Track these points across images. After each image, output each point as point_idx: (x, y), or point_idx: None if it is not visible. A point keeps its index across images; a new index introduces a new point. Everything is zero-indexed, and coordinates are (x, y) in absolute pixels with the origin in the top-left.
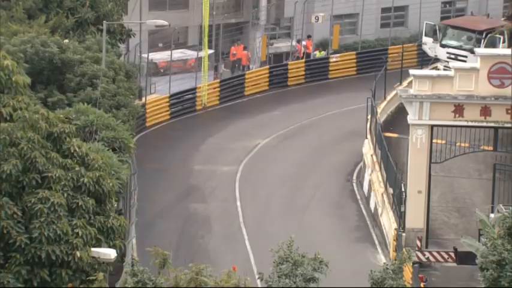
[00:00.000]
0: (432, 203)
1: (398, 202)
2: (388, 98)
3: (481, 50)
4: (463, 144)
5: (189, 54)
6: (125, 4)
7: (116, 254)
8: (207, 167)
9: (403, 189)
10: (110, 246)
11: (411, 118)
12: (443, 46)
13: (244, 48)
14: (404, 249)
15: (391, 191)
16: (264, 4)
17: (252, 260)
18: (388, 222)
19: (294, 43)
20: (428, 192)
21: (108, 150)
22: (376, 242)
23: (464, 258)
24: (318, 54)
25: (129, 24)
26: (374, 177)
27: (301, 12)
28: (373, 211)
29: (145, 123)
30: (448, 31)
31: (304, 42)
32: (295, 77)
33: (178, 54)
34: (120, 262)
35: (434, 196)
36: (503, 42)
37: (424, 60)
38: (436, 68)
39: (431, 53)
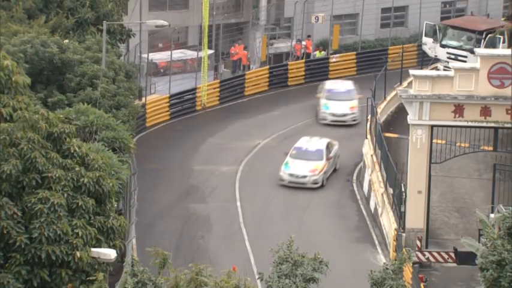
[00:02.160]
0: (432, 203)
1: (398, 202)
2: (388, 98)
3: (481, 50)
4: (463, 144)
5: (189, 54)
6: (125, 4)
7: (116, 254)
8: (207, 167)
9: (403, 190)
10: (110, 247)
11: (411, 118)
12: (443, 46)
13: (245, 48)
14: (404, 249)
15: (391, 191)
16: (264, 4)
17: (252, 260)
18: (388, 222)
19: (293, 43)
20: (428, 192)
21: (108, 150)
22: (376, 242)
23: (464, 258)
24: (318, 54)
25: (129, 24)
26: (374, 178)
27: (301, 12)
28: (373, 211)
29: (145, 123)
30: (448, 31)
31: (304, 42)
32: (295, 77)
33: (178, 54)
34: (120, 262)
35: (434, 196)
36: (503, 42)
37: (424, 60)
38: (436, 68)
39: (431, 53)
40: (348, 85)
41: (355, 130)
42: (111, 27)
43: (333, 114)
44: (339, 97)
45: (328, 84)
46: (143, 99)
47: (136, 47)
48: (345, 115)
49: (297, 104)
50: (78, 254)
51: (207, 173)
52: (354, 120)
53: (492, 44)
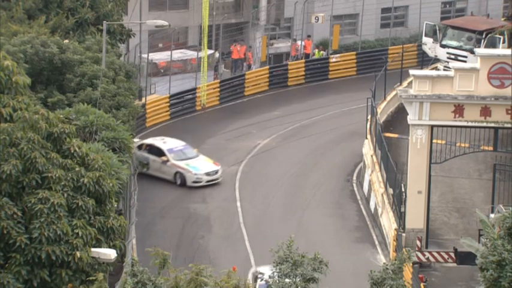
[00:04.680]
0: (432, 203)
1: (398, 202)
2: (388, 98)
3: (481, 50)
4: (463, 145)
5: (189, 54)
6: (125, 4)
7: (115, 254)
8: None
9: (403, 190)
10: (110, 247)
11: (411, 118)
12: (443, 46)
13: (248, 48)
14: (404, 249)
15: (391, 191)
16: (264, 4)
17: (252, 260)
18: (388, 222)
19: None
20: (428, 193)
21: (108, 150)
22: (376, 242)
23: (464, 258)
24: (317, 53)
25: (129, 24)
26: (374, 178)
27: (301, 13)
28: (373, 211)
29: (146, 123)
30: (448, 31)
31: (302, 42)
32: (295, 77)
33: (178, 54)
34: (120, 262)
35: (434, 196)
36: (503, 42)
37: (424, 60)
38: (436, 68)
39: (431, 53)
40: (176, 141)
41: (355, 130)
42: (111, 27)
43: (208, 174)
44: (188, 155)
45: (163, 144)
46: (143, 99)
47: (136, 47)
48: (216, 172)
49: (297, 104)
50: (78, 254)
51: None
52: (221, 177)
53: (492, 44)
